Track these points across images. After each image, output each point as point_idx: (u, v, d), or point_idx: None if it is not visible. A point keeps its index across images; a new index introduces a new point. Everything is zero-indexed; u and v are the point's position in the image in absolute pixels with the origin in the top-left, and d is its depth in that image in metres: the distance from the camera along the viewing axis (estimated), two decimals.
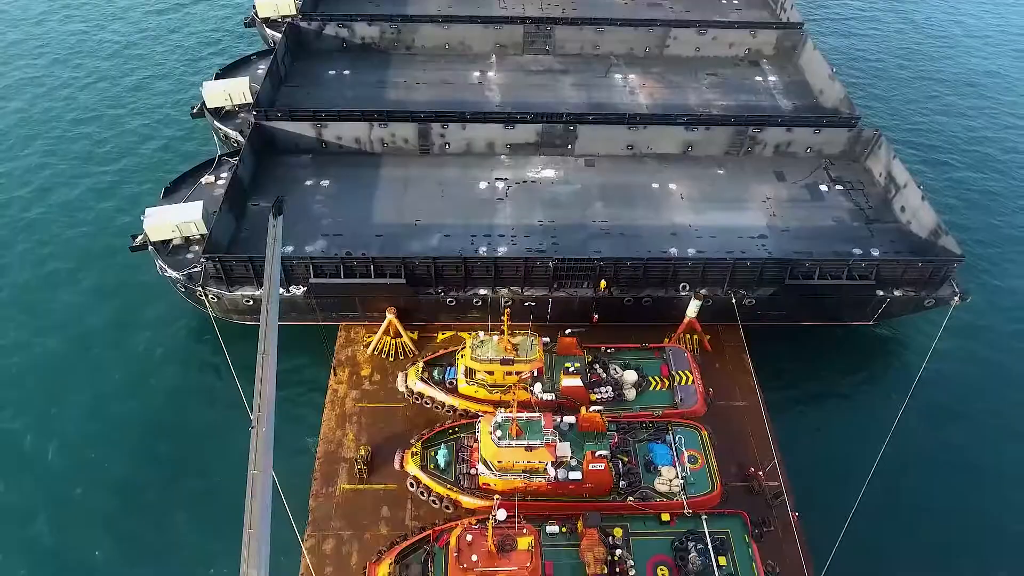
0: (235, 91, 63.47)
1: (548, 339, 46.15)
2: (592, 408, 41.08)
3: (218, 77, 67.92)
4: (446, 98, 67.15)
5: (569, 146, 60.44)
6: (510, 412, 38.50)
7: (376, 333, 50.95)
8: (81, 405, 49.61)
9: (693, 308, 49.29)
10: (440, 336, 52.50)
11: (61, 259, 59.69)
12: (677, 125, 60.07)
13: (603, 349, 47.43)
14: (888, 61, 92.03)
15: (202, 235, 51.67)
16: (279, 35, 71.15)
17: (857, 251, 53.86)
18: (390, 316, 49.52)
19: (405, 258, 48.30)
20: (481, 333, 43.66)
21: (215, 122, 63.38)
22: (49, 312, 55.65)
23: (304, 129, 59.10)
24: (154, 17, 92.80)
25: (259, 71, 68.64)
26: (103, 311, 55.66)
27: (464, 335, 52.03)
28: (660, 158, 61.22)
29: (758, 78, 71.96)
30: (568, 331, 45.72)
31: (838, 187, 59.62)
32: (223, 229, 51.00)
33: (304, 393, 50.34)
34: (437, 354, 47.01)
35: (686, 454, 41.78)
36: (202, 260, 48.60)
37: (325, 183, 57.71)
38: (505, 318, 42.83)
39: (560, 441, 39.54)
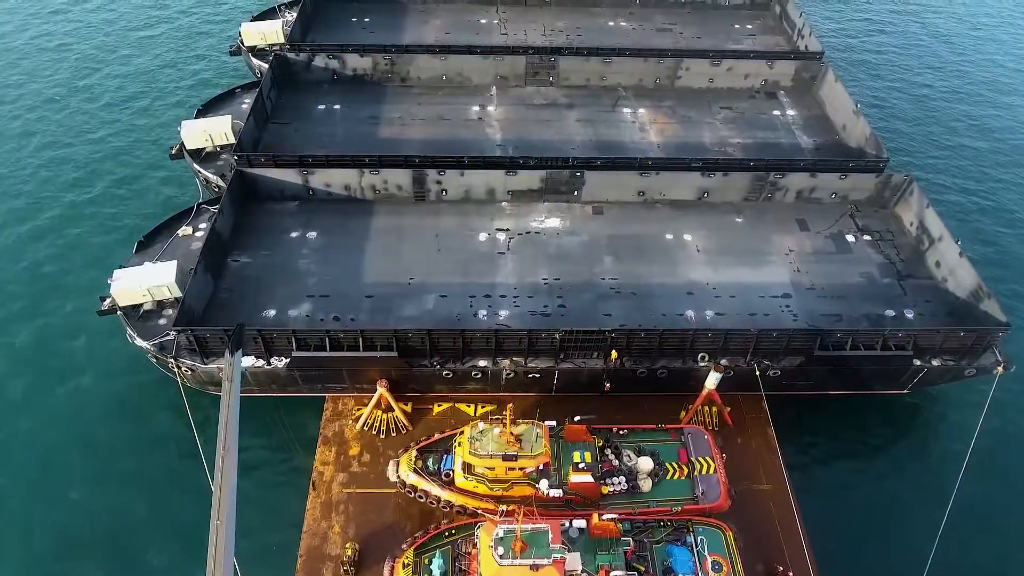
0: (216, 131, 58.98)
1: (554, 422, 41.81)
2: (605, 516, 36.66)
3: (199, 114, 63.48)
4: (443, 136, 62.80)
5: (576, 192, 56.05)
6: (513, 521, 34.18)
7: (366, 406, 46.71)
8: (34, 459, 46.36)
9: (712, 380, 44.90)
10: (436, 408, 48.10)
11: (24, 299, 55.99)
12: (692, 171, 55.57)
13: (615, 430, 43.05)
14: (908, 79, 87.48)
15: (176, 298, 47.29)
16: (266, 65, 66.99)
17: (890, 313, 49.54)
18: (381, 390, 45.16)
19: (397, 330, 43.89)
20: (481, 423, 39.23)
21: (195, 165, 58.98)
22: (7, 355, 51.99)
23: (290, 175, 54.70)
24: (137, 34, 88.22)
25: (244, 105, 64.26)
26: (68, 356, 51.96)
27: (462, 407, 48.16)
28: (674, 204, 56.83)
29: (775, 112, 67.52)
30: (576, 418, 41.35)
31: (866, 237, 55.23)
32: (198, 293, 46.61)
33: (285, 467, 46.14)
34: (431, 439, 42.55)
35: (709, 560, 37.38)
36: (172, 333, 44.19)
37: (312, 235, 53.31)
38: (507, 413, 38.42)
39: (570, 551, 35.19)
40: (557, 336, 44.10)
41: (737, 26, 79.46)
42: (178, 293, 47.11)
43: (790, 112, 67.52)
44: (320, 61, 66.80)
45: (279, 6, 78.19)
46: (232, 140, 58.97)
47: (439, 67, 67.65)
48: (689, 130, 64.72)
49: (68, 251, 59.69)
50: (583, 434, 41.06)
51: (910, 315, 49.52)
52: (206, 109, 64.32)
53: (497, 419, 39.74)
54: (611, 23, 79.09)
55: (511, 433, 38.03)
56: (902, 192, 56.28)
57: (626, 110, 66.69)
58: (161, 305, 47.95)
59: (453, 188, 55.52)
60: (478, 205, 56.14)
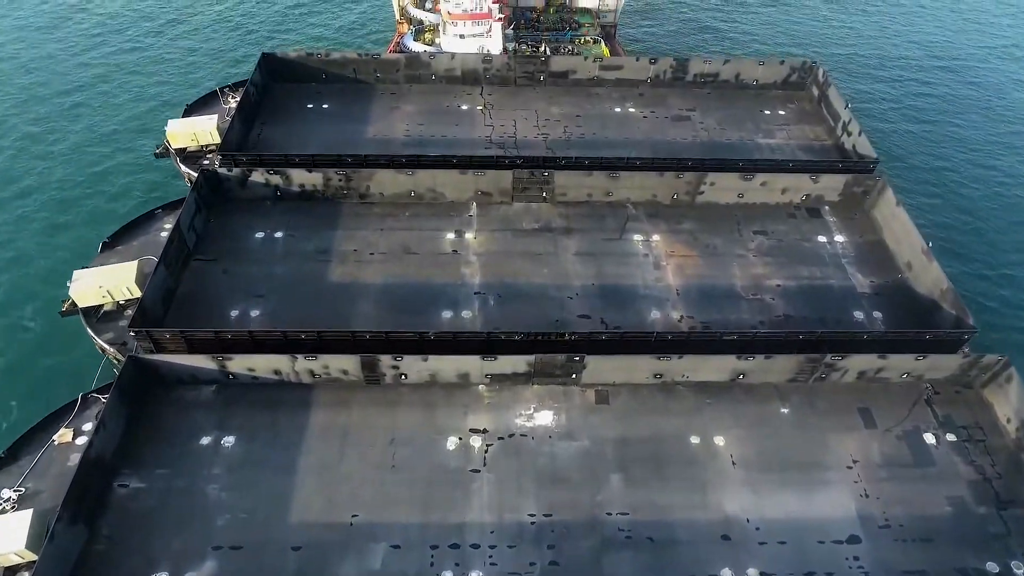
0: (116, 284, 46.58)
1: None
2: None
3: (105, 248, 51.19)
4: (408, 278, 50.18)
5: (574, 375, 43.48)
6: None
7: None
8: None
9: None
10: None
11: None
12: (726, 355, 42.90)
13: None
14: (978, 189, 74.79)
15: (31, 562, 34.89)
16: (195, 174, 54.56)
17: (992, 568, 37.00)
18: None
19: None
20: None
21: (89, 331, 46.53)
22: None
23: (203, 360, 42.16)
24: (46, 132, 74.93)
25: (163, 234, 51.95)
26: None
27: None
28: (700, 388, 44.22)
29: (820, 237, 54.79)
30: None
31: (949, 436, 42.63)
32: (58, 556, 34.15)
33: None
34: None
35: None
36: None
37: (228, 441, 40.74)
38: None
39: None
40: None
41: (767, 112, 66.75)
42: (32, 556, 34.73)
43: (839, 238, 54.78)
44: (259, 176, 54.11)
45: (222, 89, 65.97)
46: (136, 294, 46.58)
47: (406, 180, 55.00)
48: (715, 267, 52.03)
49: None
50: None
51: (1020, 571, 37.01)
52: (114, 242, 51.93)
53: None
54: (617, 109, 66.44)
55: None
56: (994, 375, 43.72)
57: (636, 237, 53.98)
58: (16, 569, 35.57)
59: (415, 372, 42.99)
60: (447, 391, 43.52)
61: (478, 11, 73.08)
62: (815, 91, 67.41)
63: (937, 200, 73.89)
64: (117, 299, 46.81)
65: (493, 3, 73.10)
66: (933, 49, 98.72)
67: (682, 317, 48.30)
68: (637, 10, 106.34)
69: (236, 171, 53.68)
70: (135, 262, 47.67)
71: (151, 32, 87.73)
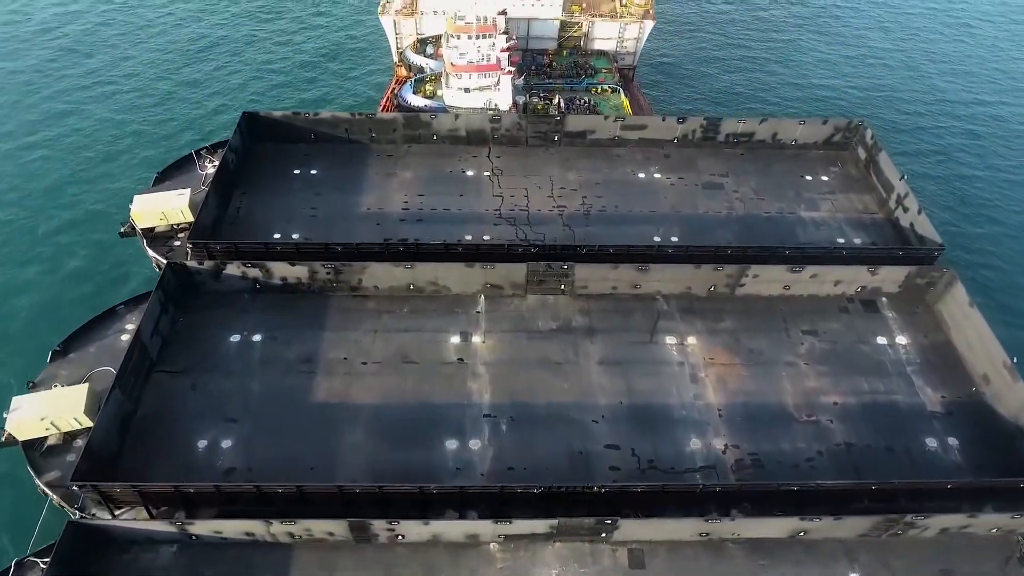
0: (61, 413, 39.42)
1: None
2: None
3: (55, 356, 44.18)
4: (406, 397, 43.09)
5: (604, 534, 36.46)
6: None
7: None
8: None
9: None
10: None
11: None
12: (787, 517, 35.90)
13: None
14: None
15: None
16: (164, 261, 47.76)
17: None
18: None
19: None
20: None
21: (28, 468, 39.46)
22: None
23: (161, 524, 35.14)
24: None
25: (123, 339, 45.05)
26: None
27: None
28: (753, 547, 37.19)
29: (880, 339, 47.69)
30: None
31: None
32: None
33: None
34: None
35: None
36: None
37: None
38: None
39: None
40: None
41: (809, 177, 59.66)
42: None
43: (900, 339, 47.68)
44: (236, 269, 47.04)
45: (198, 151, 58.95)
46: (86, 423, 39.52)
47: (405, 273, 47.92)
48: (762, 379, 44.93)
49: None
50: None
51: None
52: (66, 349, 44.86)
53: None
54: (640, 174, 59.33)
55: None
56: None
57: (669, 339, 46.91)
58: None
59: (414, 533, 35.98)
60: (452, 553, 36.36)
61: (485, 63, 65.89)
62: (862, 153, 60.30)
63: (994, 257, 66.99)
64: (63, 430, 39.70)
65: (502, 52, 66.10)
66: (974, 91, 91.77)
67: (726, 447, 41.29)
68: (658, 37, 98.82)
69: (208, 264, 46.64)
70: (84, 386, 40.62)
71: (131, 73, 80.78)
